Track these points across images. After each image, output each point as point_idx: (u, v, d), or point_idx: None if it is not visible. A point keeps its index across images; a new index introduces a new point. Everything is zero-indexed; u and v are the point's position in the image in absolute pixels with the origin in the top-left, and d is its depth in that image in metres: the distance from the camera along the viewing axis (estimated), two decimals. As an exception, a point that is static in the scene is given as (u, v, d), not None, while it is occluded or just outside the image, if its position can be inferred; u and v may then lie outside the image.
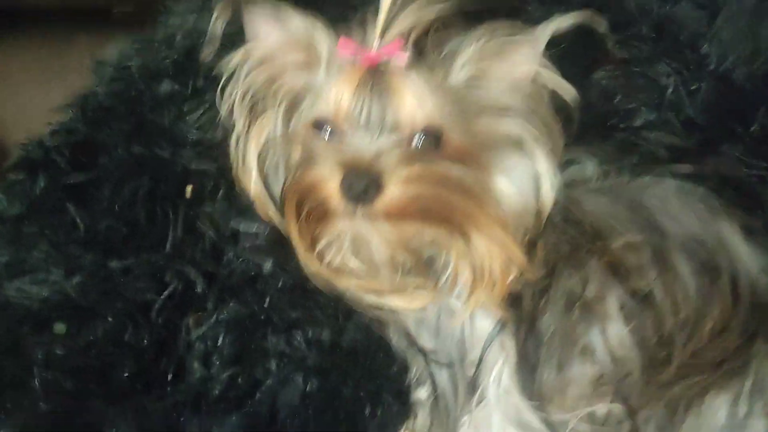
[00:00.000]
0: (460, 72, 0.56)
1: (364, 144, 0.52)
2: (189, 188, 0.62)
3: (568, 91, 0.56)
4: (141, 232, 0.60)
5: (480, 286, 0.55)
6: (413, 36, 0.55)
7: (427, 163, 0.52)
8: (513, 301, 0.56)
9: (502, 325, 0.56)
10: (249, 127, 0.58)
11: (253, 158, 0.57)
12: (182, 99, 0.64)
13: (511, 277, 0.55)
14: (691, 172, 0.64)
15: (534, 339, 0.55)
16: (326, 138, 0.54)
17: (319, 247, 0.55)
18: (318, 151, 0.53)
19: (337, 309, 0.58)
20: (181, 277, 0.59)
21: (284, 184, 0.55)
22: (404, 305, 0.57)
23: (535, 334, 0.55)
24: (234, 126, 0.57)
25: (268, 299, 0.58)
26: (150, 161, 0.61)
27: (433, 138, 0.53)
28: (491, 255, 0.54)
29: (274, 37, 0.57)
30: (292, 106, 0.57)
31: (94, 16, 0.93)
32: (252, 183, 0.57)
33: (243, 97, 0.57)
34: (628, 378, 0.52)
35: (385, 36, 0.53)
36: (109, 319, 0.57)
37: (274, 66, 0.57)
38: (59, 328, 0.57)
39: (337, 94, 0.53)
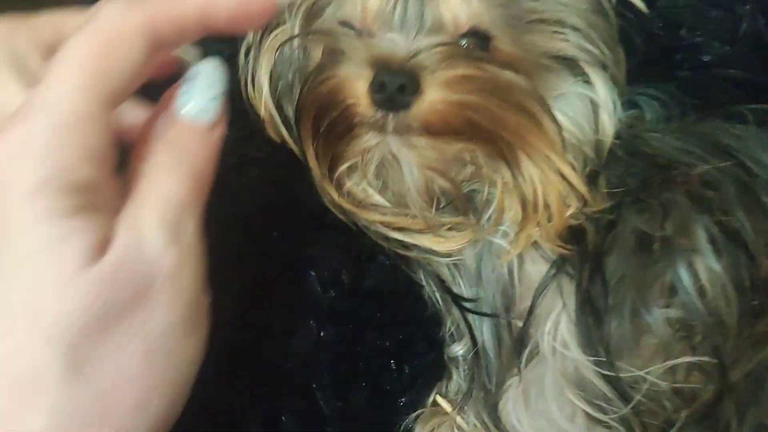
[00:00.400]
0: None
1: (399, 41, 0.43)
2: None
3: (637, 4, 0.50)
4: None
5: (532, 221, 0.46)
6: None
7: (474, 62, 0.43)
8: (574, 236, 0.47)
9: (559, 265, 0.47)
10: (261, 38, 0.50)
11: (265, 73, 0.50)
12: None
13: (570, 210, 0.46)
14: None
15: (600, 281, 0.45)
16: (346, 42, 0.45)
17: (340, 171, 0.46)
18: (346, 51, 0.44)
19: (359, 248, 0.50)
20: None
21: (300, 93, 0.46)
22: (436, 246, 0.48)
23: (601, 275, 0.45)
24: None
25: (278, 233, 0.49)
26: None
27: (482, 38, 0.45)
28: (546, 183, 0.46)
29: None
30: (312, 13, 0.49)
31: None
32: (263, 100, 0.50)
33: None
34: (719, 326, 0.42)
35: None
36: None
37: None
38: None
39: None
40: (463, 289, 0.50)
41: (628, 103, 0.56)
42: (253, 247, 0.50)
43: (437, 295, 0.50)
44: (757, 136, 0.54)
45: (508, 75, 0.45)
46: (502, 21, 0.46)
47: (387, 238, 0.49)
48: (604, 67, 0.50)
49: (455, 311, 0.50)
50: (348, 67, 0.43)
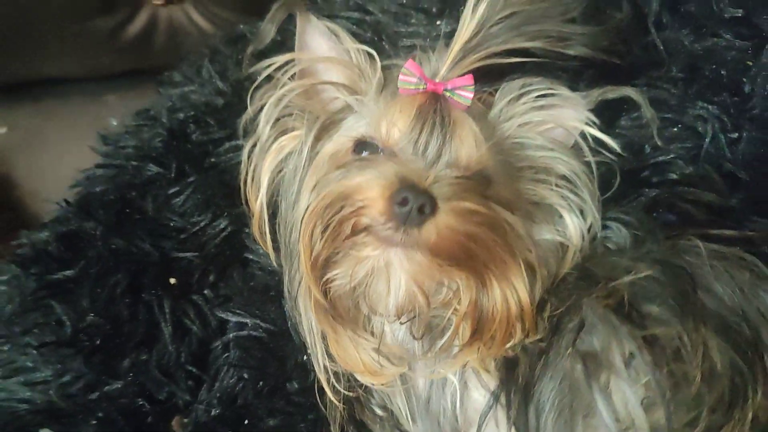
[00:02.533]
0: (506, 123, 0.53)
1: (422, 166, 0.48)
2: (172, 280, 0.59)
3: (614, 146, 0.54)
4: (125, 330, 0.57)
5: (476, 344, 0.50)
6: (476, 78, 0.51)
7: (482, 200, 0.47)
8: (507, 366, 0.50)
9: (496, 395, 0.50)
10: (271, 141, 0.55)
11: (267, 173, 0.55)
12: (167, 182, 0.61)
13: (512, 342, 0.50)
14: (736, 236, 0.56)
15: (534, 407, 0.48)
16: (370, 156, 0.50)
17: (329, 275, 0.49)
18: (360, 165, 0.49)
19: (317, 417, 0.53)
20: (167, 382, 0.56)
21: (307, 205, 0.50)
22: (369, 380, 0.52)
23: (535, 402, 0.48)
24: (254, 132, 0.55)
25: (245, 404, 0.54)
26: (129, 254, 0.58)
27: (486, 180, 0.50)
28: (503, 310, 0.49)
29: (323, 51, 0.55)
30: (326, 127, 0.54)
31: (122, 77, 0.93)
32: (258, 199, 0.55)
33: (277, 104, 0.54)
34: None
35: (454, 69, 0.50)
36: (92, 423, 0.55)
37: (318, 80, 0.55)
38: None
39: (396, 113, 0.49)
40: (419, 423, 0.53)
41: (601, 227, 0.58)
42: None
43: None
44: (718, 262, 0.54)
45: (508, 215, 0.49)
46: (499, 168, 0.51)
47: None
48: (579, 202, 0.53)
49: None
50: (368, 176, 0.46)
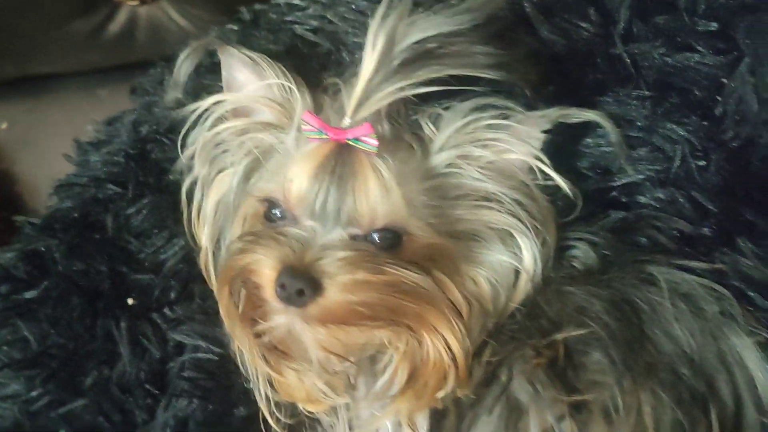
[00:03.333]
0: (440, 154, 0.50)
1: (311, 236, 0.46)
2: (130, 300, 0.60)
3: (563, 185, 0.50)
4: (87, 349, 0.58)
5: (411, 390, 0.49)
6: (390, 112, 0.49)
7: (378, 267, 0.46)
8: (436, 418, 0.49)
9: None
10: (211, 178, 0.54)
11: (210, 212, 0.55)
12: (126, 202, 0.61)
13: (443, 392, 0.48)
14: (704, 269, 0.52)
15: None
16: (276, 220, 0.49)
17: (255, 329, 0.49)
18: (261, 233, 0.49)
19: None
20: (127, 398, 0.57)
21: (222, 258, 0.52)
22: (309, 407, 0.52)
23: None
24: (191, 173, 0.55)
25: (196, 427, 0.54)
26: (87, 278, 0.59)
27: (393, 237, 0.47)
28: (434, 359, 0.48)
29: (250, 87, 0.53)
30: (254, 167, 0.53)
31: (112, 71, 0.93)
32: (203, 238, 0.55)
33: (206, 146, 0.54)
34: None
35: (358, 113, 0.47)
36: (55, 440, 0.59)
37: (245, 119, 0.53)
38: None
39: (293, 174, 0.47)
40: None
41: (566, 247, 0.55)
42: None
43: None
44: (681, 297, 0.50)
45: (411, 276, 0.47)
46: (424, 207, 0.48)
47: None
48: (532, 234, 0.50)
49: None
50: (260, 256, 0.46)
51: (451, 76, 0.48)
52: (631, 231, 0.55)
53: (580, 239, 0.55)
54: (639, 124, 0.53)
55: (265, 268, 0.46)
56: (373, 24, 0.46)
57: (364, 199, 0.46)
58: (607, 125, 0.50)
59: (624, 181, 0.55)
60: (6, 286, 0.62)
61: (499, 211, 0.50)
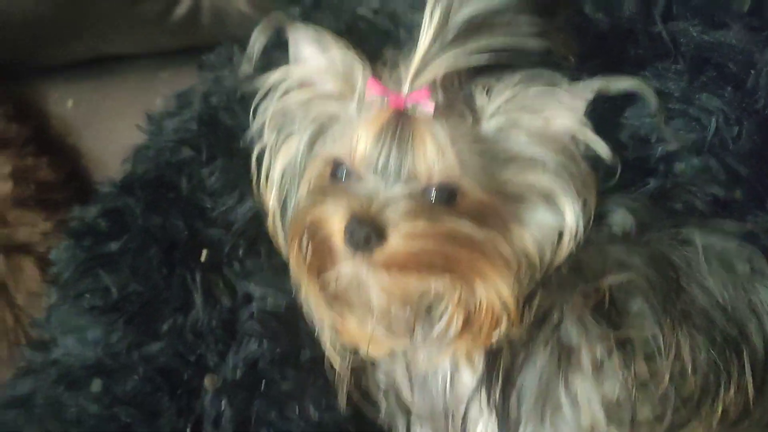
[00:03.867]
0: (490, 120, 0.54)
1: (375, 191, 0.51)
2: (204, 252, 0.65)
3: (604, 152, 0.53)
4: (163, 297, 0.64)
5: (467, 334, 0.53)
6: (445, 82, 0.53)
7: (435, 219, 0.51)
8: (491, 355, 0.54)
9: (480, 380, 0.54)
10: (278, 145, 0.59)
11: (277, 177, 0.59)
12: (199, 164, 0.67)
13: (496, 333, 0.53)
14: (736, 230, 0.57)
15: (516, 394, 0.52)
16: (342, 178, 0.54)
17: (322, 279, 0.55)
18: (329, 189, 0.54)
19: (326, 384, 0.59)
20: (200, 344, 0.63)
21: (291, 214, 0.57)
22: (371, 350, 0.56)
23: (517, 389, 0.53)
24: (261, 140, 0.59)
25: (265, 369, 0.60)
26: (164, 231, 0.65)
27: (449, 192, 0.52)
28: (488, 306, 0.52)
29: (315, 61, 0.58)
30: (319, 133, 0.58)
31: (173, 54, 0.99)
32: (271, 200, 0.60)
33: (274, 116, 0.59)
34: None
35: (416, 81, 0.52)
36: (135, 378, 0.62)
37: (310, 90, 0.58)
38: (95, 386, 0.64)
39: (358, 136, 0.52)
40: (410, 394, 0.58)
41: (602, 214, 0.60)
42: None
43: (392, 407, 0.58)
44: (714, 254, 0.55)
45: (466, 227, 0.51)
46: (476, 167, 0.52)
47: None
48: (575, 196, 0.54)
49: (402, 419, 0.58)
50: (328, 208, 0.51)
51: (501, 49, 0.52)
52: (668, 197, 0.60)
53: (620, 205, 0.60)
54: (676, 95, 0.57)
55: (335, 218, 0.51)
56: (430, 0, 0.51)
57: (422, 157, 0.51)
58: (647, 93, 0.53)
59: (662, 149, 0.60)
60: (89, 240, 0.68)
61: (544, 174, 0.54)
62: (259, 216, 0.66)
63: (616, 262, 0.55)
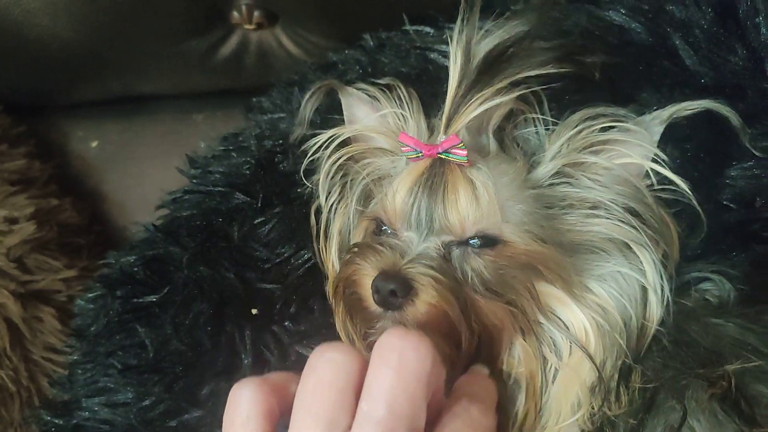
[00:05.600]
0: (548, 164, 0.50)
1: (406, 245, 0.48)
2: (254, 310, 0.58)
3: (682, 185, 0.48)
4: (206, 359, 0.57)
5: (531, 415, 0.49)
6: (494, 121, 0.51)
7: (472, 261, 0.47)
8: None
9: None
10: (336, 201, 0.56)
11: (335, 233, 0.56)
12: (253, 212, 0.61)
13: (578, 412, 0.48)
14: None
15: None
16: (382, 235, 0.51)
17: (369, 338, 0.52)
18: (363, 245, 0.51)
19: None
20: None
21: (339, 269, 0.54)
22: None
23: None
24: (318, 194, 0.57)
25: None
26: (214, 283, 0.58)
27: (489, 243, 0.48)
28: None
29: (368, 121, 0.56)
30: (372, 190, 0.54)
31: (210, 96, 0.95)
32: (330, 259, 0.57)
33: (327, 173, 0.56)
34: None
35: (450, 128, 0.49)
36: (171, 453, 0.57)
37: (364, 145, 0.56)
38: (124, 460, 0.57)
39: (393, 191, 0.50)
40: None
41: (699, 279, 0.55)
42: None
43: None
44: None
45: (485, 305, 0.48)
46: (522, 215, 0.48)
47: None
48: (652, 245, 0.49)
49: None
50: (363, 267, 0.49)
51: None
52: (775, 265, 0.55)
53: (716, 272, 0.55)
54: (791, 155, 0.53)
55: (364, 275, 0.48)
56: (453, 41, 0.49)
57: (454, 206, 0.48)
58: (724, 111, 0.48)
59: (766, 213, 0.55)
60: (124, 290, 0.62)
61: (611, 221, 0.49)
62: (314, 269, 0.61)
63: (732, 341, 0.49)
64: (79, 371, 0.61)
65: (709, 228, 0.52)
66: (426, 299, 0.46)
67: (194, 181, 0.68)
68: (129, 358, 0.59)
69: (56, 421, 0.59)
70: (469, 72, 0.49)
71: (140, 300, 0.59)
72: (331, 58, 0.73)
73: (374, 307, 0.48)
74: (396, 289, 0.46)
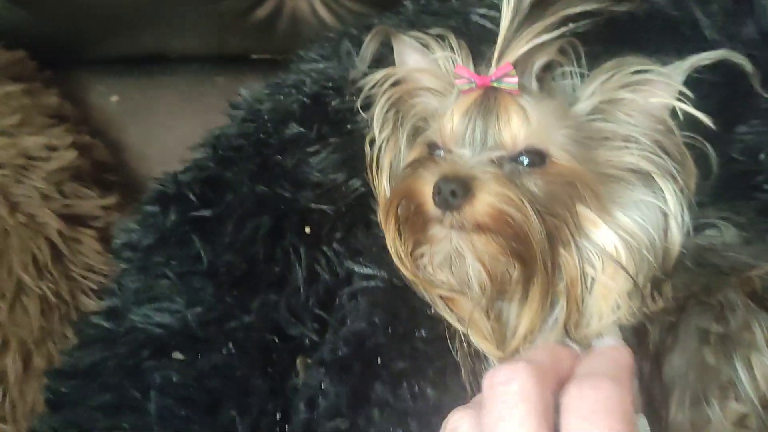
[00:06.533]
0: (586, 101, 0.55)
1: (463, 158, 0.53)
2: (307, 229, 0.62)
3: (705, 120, 0.54)
4: (259, 270, 0.61)
5: (573, 314, 0.53)
6: (537, 64, 0.56)
7: (523, 177, 0.52)
8: (637, 335, 0.53)
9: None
10: (387, 136, 0.60)
11: (386, 167, 0.61)
12: (306, 142, 0.65)
13: (618, 312, 0.52)
14: None
15: (660, 379, 0.51)
16: (435, 155, 0.55)
17: (416, 254, 0.56)
18: (423, 159, 0.55)
19: (445, 365, 0.56)
20: (295, 322, 0.60)
21: (390, 188, 0.58)
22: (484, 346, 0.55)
23: (662, 373, 0.51)
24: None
25: (376, 347, 0.56)
26: (272, 200, 0.62)
27: (539, 156, 0.53)
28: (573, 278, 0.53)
29: (418, 63, 0.61)
30: (421, 127, 0.59)
31: (233, 61, 0.99)
32: (382, 186, 0.61)
33: (382, 109, 0.60)
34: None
35: (501, 60, 0.54)
36: (223, 352, 0.59)
37: (415, 83, 0.60)
38: (177, 355, 0.59)
39: (449, 116, 0.54)
40: None
41: (706, 225, 0.62)
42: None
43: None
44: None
45: (553, 187, 0.52)
46: (566, 140, 0.53)
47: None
48: (674, 178, 0.55)
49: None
50: (422, 176, 0.52)
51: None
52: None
53: (723, 218, 0.62)
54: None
55: (426, 183, 0.52)
56: None
57: (507, 126, 0.53)
58: (738, 59, 0.54)
59: (771, 164, 0.63)
60: (179, 205, 0.64)
61: (640, 154, 0.55)
62: (362, 198, 0.65)
63: (744, 263, 0.56)
64: (130, 281, 0.63)
65: (719, 178, 0.59)
66: (484, 199, 0.50)
67: (242, 119, 0.71)
68: (183, 267, 0.61)
69: (106, 325, 0.61)
70: (521, 8, 0.53)
71: (197, 213, 0.63)
72: (372, 21, 0.79)
73: (433, 210, 0.51)
74: (456, 189, 0.50)
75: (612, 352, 0.48)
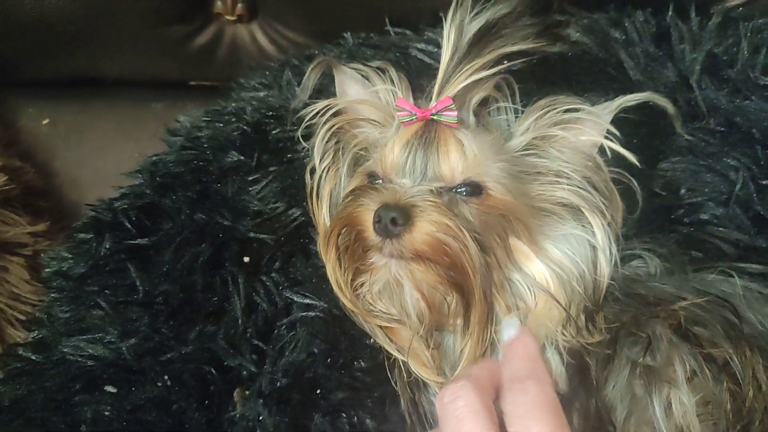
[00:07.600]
0: (520, 137, 0.58)
1: (404, 187, 0.54)
2: (246, 258, 0.62)
3: (630, 158, 0.57)
4: (197, 300, 0.60)
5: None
6: (474, 99, 0.58)
7: (459, 206, 0.54)
8: (581, 373, 0.55)
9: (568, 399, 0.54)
10: (327, 167, 0.62)
11: (326, 197, 0.62)
12: (247, 170, 0.65)
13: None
14: (762, 271, 0.63)
15: (604, 410, 0.53)
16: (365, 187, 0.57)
17: (356, 284, 0.56)
18: (363, 187, 0.56)
19: (384, 395, 0.57)
20: (234, 353, 0.59)
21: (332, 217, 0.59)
22: (422, 372, 0.56)
23: (603, 405, 0.53)
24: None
25: (315, 377, 0.57)
26: (211, 229, 0.62)
27: (474, 189, 0.55)
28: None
29: (358, 94, 0.62)
30: (361, 157, 0.61)
31: (171, 87, 0.97)
32: (322, 215, 0.61)
33: (323, 139, 0.61)
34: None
35: (441, 95, 0.56)
36: (159, 384, 0.57)
37: (354, 116, 0.62)
38: (110, 388, 0.57)
39: (390, 147, 0.56)
40: None
41: (632, 257, 0.64)
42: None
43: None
44: (746, 293, 0.61)
45: (489, 218, 0.54)
46: (501, 173, 0.56)
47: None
48: (602, 212, 0.57)
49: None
50: (365, 203, 0.53)
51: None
52: (693, 245, 0.65)
53: (646, 249, 0.65)
54: (708, 151, 0.64)
55: (367, 210, 0.53)
56: (447, 22, 0.57)
57: (446, 158, 0.55)
58: (660, 101, 0.58)
59: (690, 200, 0.65)
60: (114, 234, 0.63)
61: (571, 189, 0.58)
62: (300, 228, 0.65)
63: (670, 295, 0.58)
64: (60, 311, 0.61)
65: (643, 211, 0.62)
66: (424, 228, 0.51)
67: (181, 146, 0.71)
68: (118, 296, 0.60)
69: (33, 357, 0.59)
70: (461, 46, 0.56)
71: (133, 242, 0.62)
72: (313, 51, 0.80)
73: (373, 237, 0.52)
74: (396, 217, 0.51)
75: (521, 348, 0.51)
